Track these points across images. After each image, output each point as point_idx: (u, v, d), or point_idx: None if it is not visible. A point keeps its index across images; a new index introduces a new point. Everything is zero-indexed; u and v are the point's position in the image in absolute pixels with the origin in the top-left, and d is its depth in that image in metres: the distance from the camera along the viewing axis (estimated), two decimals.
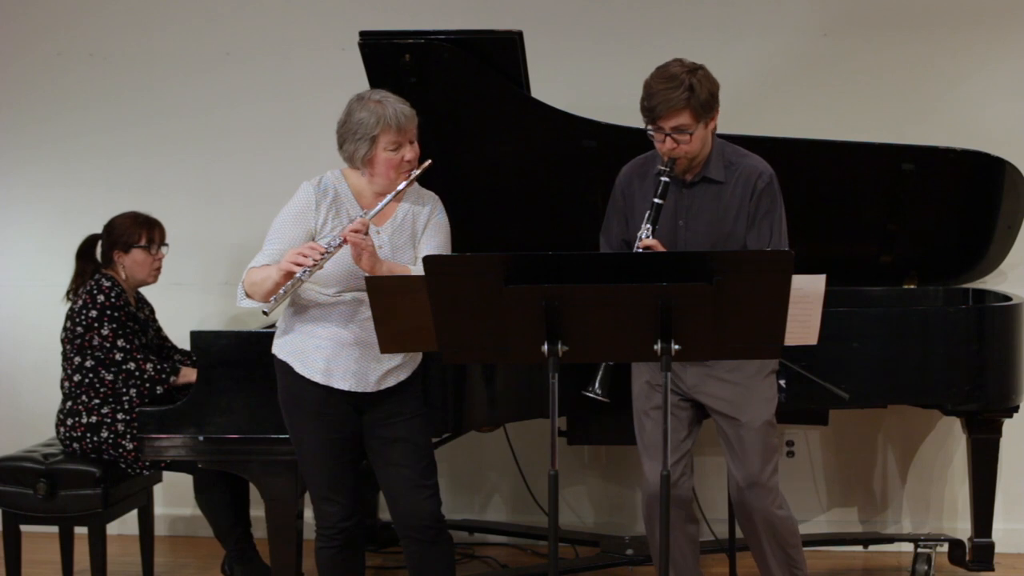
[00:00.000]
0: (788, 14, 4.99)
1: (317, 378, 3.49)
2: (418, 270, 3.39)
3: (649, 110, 3.47)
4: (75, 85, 5.35)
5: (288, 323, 3.58)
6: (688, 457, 3.70)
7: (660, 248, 3.45)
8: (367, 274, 3.34)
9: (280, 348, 3.58)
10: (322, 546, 3.61)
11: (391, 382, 3.52)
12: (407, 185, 3.47)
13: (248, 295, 3.47)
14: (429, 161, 3.49)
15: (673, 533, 3.66)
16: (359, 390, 3.49)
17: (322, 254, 3.34)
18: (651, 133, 3.51)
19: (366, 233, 3.37)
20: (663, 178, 3.49)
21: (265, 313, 3.39)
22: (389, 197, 3.45)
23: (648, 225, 3.47)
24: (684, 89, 3.41)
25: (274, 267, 3.39)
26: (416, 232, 3.56)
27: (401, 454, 3.54)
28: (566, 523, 5.02)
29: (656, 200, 3.48)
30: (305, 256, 3.33)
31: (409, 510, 3.55)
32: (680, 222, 3.56)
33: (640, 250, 3.43)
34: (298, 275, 3.33)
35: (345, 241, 3.36)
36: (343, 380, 3.49)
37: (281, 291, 3.36)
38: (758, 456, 3.59)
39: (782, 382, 3.86)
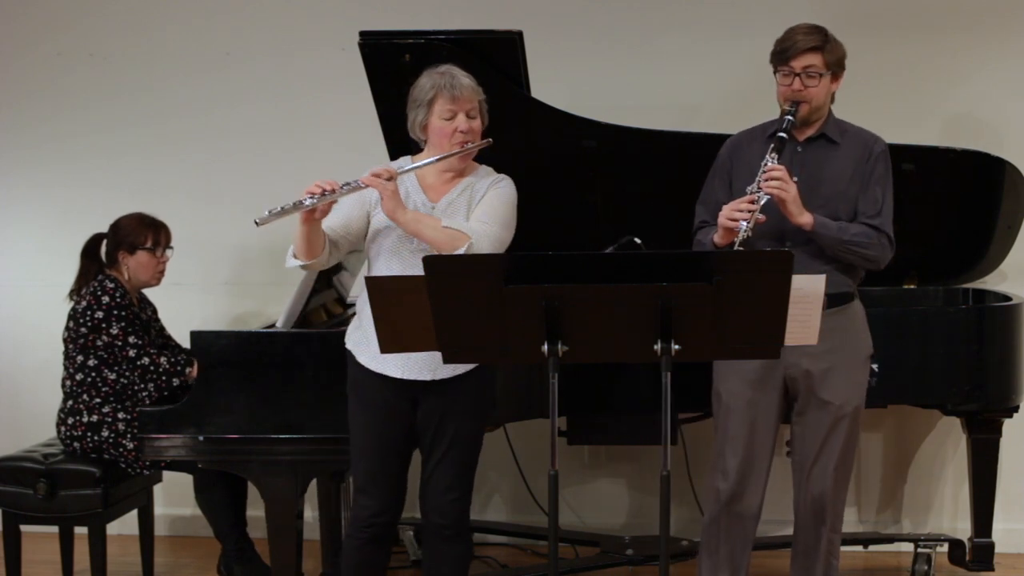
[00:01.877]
0: (788, 14, 4.96)
1: (372, 365, 3.50)
2: (451, 223, 3.41)
3: (781, 52, 3.61)
4: (75, 85, 5.35)
5: (357, 312, 3.60)
6: (767, 467, 3.70)
7: (787, 178, 3.49)
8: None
9: (348, 337, 3.61)
10: (349, 535, 3.63)
11: (446, 373, 3.49)
12: (458, 154, 3.47)
13: (295, 255, 3.48)
14: (488, 140, 3.51)
15: (741, 545, 3.72)
16: (413, 377, 3.48)
17: (335, 189, 3.35)
18: (779, 77, 3.62)
19: (390, 179, 3.36)
20: (788, 116, 3.57)
21: (256, 223, 3.36)
22: (432, 159, 3.46)
23: (773, 155, 3.52)
24: (821, 36, 3.61)
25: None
26: (473, 202, 3.54)
27: (445, 451, 3.55)
28: (566, 523, 5.02)
29: (780, 134, 3.54)
30: (319, 186, 3.34)
31: (436, 507, 3.57)
32: (794, 179, 3.58)
33: (763, 181, 3.46)
34: (303, 200, 3.32)
35: (365, 184, 3.36)
36: (395, 367, 3.48)
37: (279, 207, 3.33)
38: (843, 444, 3.62)
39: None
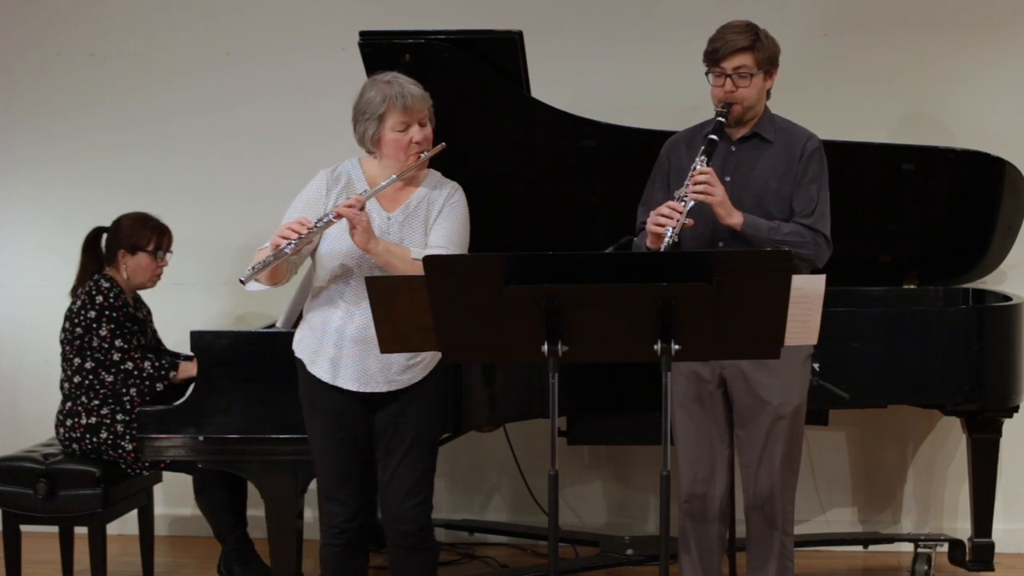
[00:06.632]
0: (788, 14, 4.99)
1: (326, 377, 3.49)
2: (419, 255, 3.37)
3: (712, 52, 3.58)
4: (75, 85, 5.35)
5: (304, 318, 3.58)
6: (726, 463, 3.65)
7: (715, 180, 3.45)
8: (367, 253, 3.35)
9: (296, 344, 3.58)
10: (326, 543, 3.61)
11: (403, 383, 3.48)
12: (416, 166, 3.45)
13: (257, 279, 3.43)
14: (442, 145, 3.48)
15: (705, 539, 3.68)
16: (367, 390, 3.47)
17: (310, 229, 3.32)
18: (711, 78, 3.59)
19: (361, 209, 3.33)
20: (719, 119, 3.54)
21: (241, 282, 3.34)
22: (393, 177, 3.42)
23: (703, 157, 3.48)
24: (751, 35, 3.56)
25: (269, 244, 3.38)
26: (430, 218, 3.52)
27: (401, 457, 3.52)
28: (566, 523, 5.02)
29: (711, 136, 3.51)
30: (293, 231, 3.31)
31: (397, 515, 3.55)
32: (727, 179, 3.56)
33: (691, 185, 3.43)
34: (283, 247, 3.29)
35: (339, 216, 3.33)
36: (350, 380, 3.47)
37: (262, 262, 3.31)
38: (784, 445, 3.57)
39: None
